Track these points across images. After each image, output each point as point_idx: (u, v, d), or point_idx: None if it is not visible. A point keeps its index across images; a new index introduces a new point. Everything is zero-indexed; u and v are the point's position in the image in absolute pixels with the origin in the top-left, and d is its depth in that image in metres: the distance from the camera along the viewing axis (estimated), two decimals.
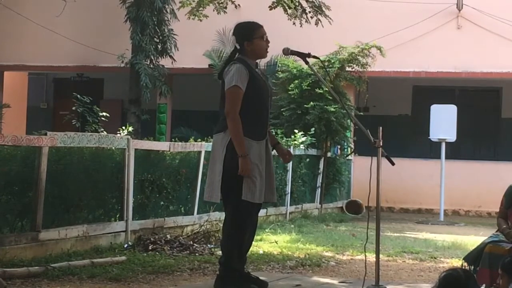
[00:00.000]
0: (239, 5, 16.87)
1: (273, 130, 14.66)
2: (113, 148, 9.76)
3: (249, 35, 6.56)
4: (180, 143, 11.37)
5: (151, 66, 18.67)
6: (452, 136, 17.26)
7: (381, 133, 6.74)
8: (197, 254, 9.30)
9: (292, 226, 13.52)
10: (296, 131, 15.37)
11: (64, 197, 8.96)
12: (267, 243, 10.87)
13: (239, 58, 6.53)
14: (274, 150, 6.84)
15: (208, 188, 6.53)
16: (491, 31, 18.81)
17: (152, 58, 18.72)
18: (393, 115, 20.81)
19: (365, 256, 7.13)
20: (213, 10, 15.99)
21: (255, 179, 6.31)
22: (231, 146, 6.32)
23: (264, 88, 6.58)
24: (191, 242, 9.81)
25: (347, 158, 17.59)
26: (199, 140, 12.30)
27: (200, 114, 20.58)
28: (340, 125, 16.36)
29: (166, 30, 18.80)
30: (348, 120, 16.31)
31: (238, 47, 6.58)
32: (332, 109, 15.90)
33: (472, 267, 6.59)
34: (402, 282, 7.94)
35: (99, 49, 20.07)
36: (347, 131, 16.97)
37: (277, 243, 10.78)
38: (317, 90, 15.98)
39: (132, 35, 18.44)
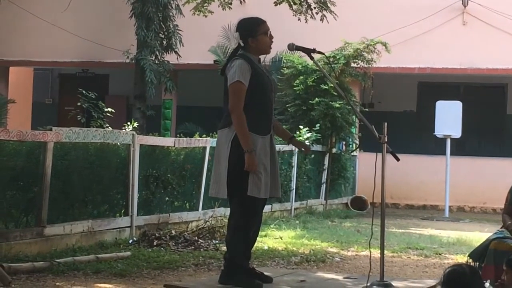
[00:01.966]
0: (244, 0, 16.88)
1: None
2: (118, 143, 9.77)
3: (253, 31, 6.54)
4: (185, 138, 11.38)
5: (156, 61, 18.66)
6: (457, 132, 17.24)
7: (386, 129, 6.73)
8: (202, 249, 9.31)
9: (297, 222, 13.53)
10: (301, 127, 15.37)
11: (69, 193, 8.98)
12: (272, 238, 10.88)
13: (242, 54, 6.52)
14: (291, 144, 6.93)
15: (214, 184, 6.52)
16: (497, 27, 18.78)
17: (157, 54, 18.71)
18: (398, 111, 20.80)
19: (370, 252, 7.12)
20: (218, 6, 15.98)
21: (260, 174, 6.31)
22: (236, 141, 6.31)
23: (268, 83, 6.57)
24: (196, 238, 9.82)
25: (352, 154, 17.58)
26: (204, 136, 12.31)
27: (205, 110, 20.58)
28: (345, 121, 16.36)
29: (171, 26, 18.79)
30: (353, 116, 16.30)
31: (242, 43, 6.56)
32: (337, 105, 15.89)
33: (477, 263, 6.60)
34: (407, 278, 7.93)
35: (104, 45, 20.08)
36: (352, 127, 16.96)
37: (282, 239, 10.80)
38: (322, 86, 15.97)
39: (137, 31, 18.43)
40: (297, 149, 14.80)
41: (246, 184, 6.27)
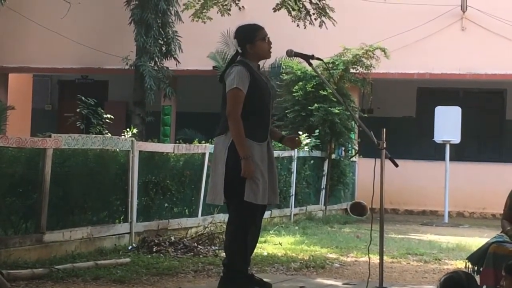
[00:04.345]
0: (243, 7, 16.88)
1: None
2: (117, 150, 9.77)
3: (251, 37, 6.56)
4: (184, 145, 11.38)
5: (156, 68, 18.69)
6: (456, 138, 17.26)
7: (385, 134, 6.74)
8: (201, 256, 9.30)
9: (297, 228, 13.53)
10: (300, 133, 15.36)
11: (69, 199, 8.97)
12: (272, 244, 10.87)
13: (241, 61, 6.54)
14: (283, 144, 6.90)
15: (211, 190, 6.53)
16: (496, 33, 18.79)
17: (157, 60, 18.74)
18: (398, 117, 20.80)
19: (369, 258, 7.11)
20: (217, 12, 15.99)
21: (257, 180, 6.32)
22: (233, 148, 6.33)
23: (266, 90, 6.58)
24: (195, 244, 9.81)
25: (351, 159, 17.59)
26: (203, 142, 12.31)
27: (205, 116, 20.54)
28: (345, 127, 16.37)
29: (170, 32, 18.82)
30: (353, 122, 16.32)
31: (240, 50, 6.58)
32: (337, 111, 15.90)
33: (476, 267, 6.61)
34: (406, 284, 7.94)
35: (104, 51, 20.10)
36: (352, 133, 16.98)
37: (281, 245, 10.79)
38: (321, 92, 15.99)
39: (137, 37, 18.47)
40: (296, 155, 14.82)
41: (243, 190, 6.28)
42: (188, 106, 21.42)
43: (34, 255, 8.18)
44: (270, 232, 12.37)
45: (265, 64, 6.83)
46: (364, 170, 16.76)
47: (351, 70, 16.80)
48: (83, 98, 11.64)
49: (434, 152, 19.62)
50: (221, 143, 6.46)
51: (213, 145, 10.36)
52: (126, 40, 19.14)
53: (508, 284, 5.01)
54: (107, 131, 11.27)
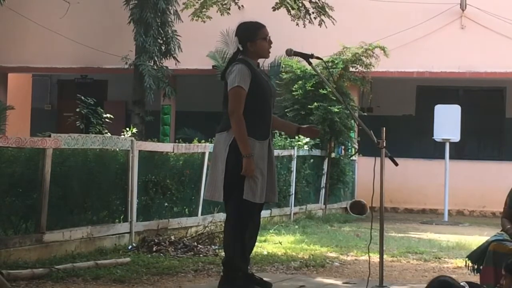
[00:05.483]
0: (242, 6, 16.87)
1: (277, 131, 14.67)
2: (117, 149, 9.77)
3: (252, 36, 6.56)
4: (184, 144, 11.38)
5: (155, 67, 18.68)
6: (456, 136, 17.26)
7: (384, 133, 6.75)
8: (201, 255, 9.30)
9: (296, 227, 13.53)
10: None
11: (68, 199, 8.97)
12: (271, 244, 10.87)
13: (241, 59, 6.54)
14: (301, 135, 6.94)
15: (210, 187, 6.52)
16: (495, 31, 18.80)
17: (156, 59, 18.73)
18: (397, 116, 20.80)
19: (369, 256, 7.12)
20: (217, 11, 16.00)
21: (256, 179, 6.32)
22: (234, 145, 6.33)
23: (267, 88, 6.59)
24: (195, 243, 9.82)
25: (351, 158, 17.58)
26: (203, 141, 12.32)
27: (204, 115, 20.58)
28: (344, 126, 16.36)
29: (169, 31, 18.82)
30: (352, 121, 16.31)
31: (240, 47, 6.58)
32: (336, 110, 15.90)
33: (476, 265, 6.61)
34: (406, 283, 7.94)
35: (103, 51, 20.09)
36: (351, 131, 16.97)
37: (281, 244, 10.79)
38: (321, 90, 15.98)
39: (136, 37, 18.46)
40: (296, 154, 14.82)
41: (242, 188, 6.28)
42: (187, 105, 21.41)
43: (34, 255, 8.19)
44: (270, 231, 12.37)
45: (264, 63, 6.83)
46: (364, 168, 16.78)
47: (351, 69, 16.80)
48: (82, 97, 11.64)
49: (434, 150, 19.63)
50: (222, 140, 6.45)
51: (212, 145, 10.37)
52: (125, 40, 19.13)
53: (508, 282, 5.02)
54: (106, 131, 11.27)
